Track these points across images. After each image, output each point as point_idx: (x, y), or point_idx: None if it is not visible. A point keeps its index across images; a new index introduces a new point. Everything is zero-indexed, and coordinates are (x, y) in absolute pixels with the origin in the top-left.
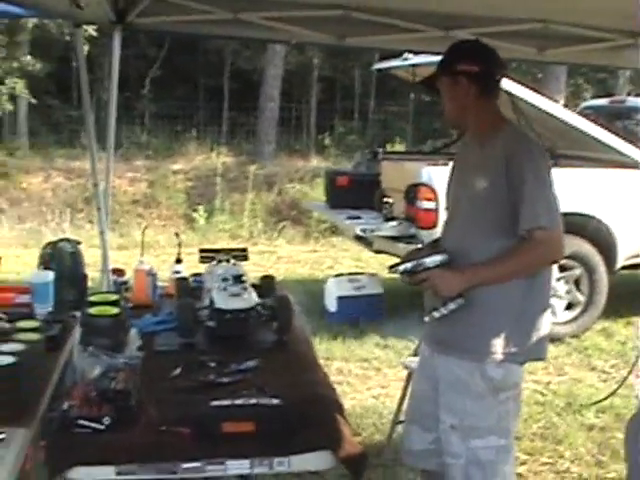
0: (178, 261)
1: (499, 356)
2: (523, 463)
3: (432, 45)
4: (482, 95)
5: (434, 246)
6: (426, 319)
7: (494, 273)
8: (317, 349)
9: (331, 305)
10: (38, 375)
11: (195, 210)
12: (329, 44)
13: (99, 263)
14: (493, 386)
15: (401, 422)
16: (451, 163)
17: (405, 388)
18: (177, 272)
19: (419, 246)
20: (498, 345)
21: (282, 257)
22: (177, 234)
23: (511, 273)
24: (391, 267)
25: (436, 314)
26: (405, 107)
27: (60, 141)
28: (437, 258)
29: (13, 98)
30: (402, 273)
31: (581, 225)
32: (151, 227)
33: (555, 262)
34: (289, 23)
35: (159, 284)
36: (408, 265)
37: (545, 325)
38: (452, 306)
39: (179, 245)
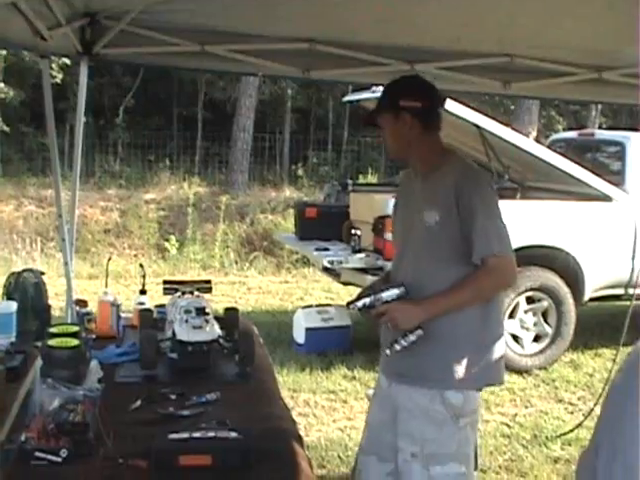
0: (142, 292)
1: (459, 382)
2: None
3: None
4: (425, 130)
5: (386, 280)
6: (387, 352)
7: (451, 302)
8: (284, 381)
9: (299, 337)
10: None
11: (167, 240)
12: (295, 77)
13: None
14: (453, 413)
15: None
16: None
17: None
18: (141, 303)
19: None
20: (458, 372)
21: (253, 288)
22: (141, 265)
23: (467, 301)
24: (349, 303)
25: (397, 346)
26: (378, 138)
27: (32, 169)
28: (394, 292)
29: None
30: (360, 309)
31: (549, 257)
32: (122, 256)
33: (508, 287)
34: (255, 56)
35: (123, 315)
36: (367, 301)
37: (501, 351)
38: (412, 338)
39: (143, 276)
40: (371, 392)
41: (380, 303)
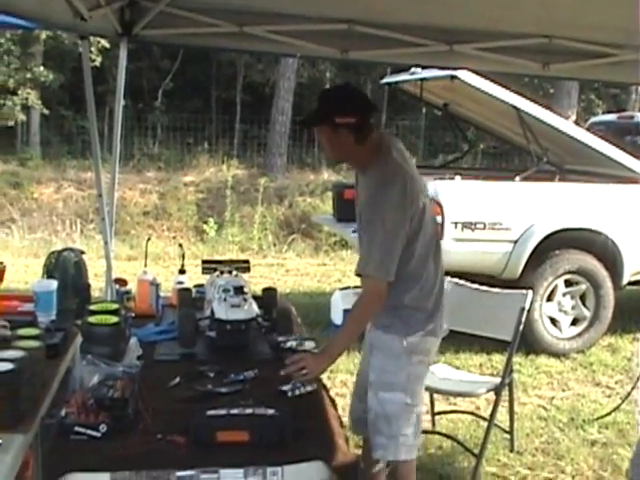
0: (181, 272)
1: (418, 330)
2: (524, 478)
3: (436, 60)
4: (358, 140)
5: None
6: (289, 394)
7: (346, 339)
8: None
9: (337, 318)
10: (37, 382)
11: (205, 222)
12: (333, 58)
13: None
14: (408, 350)
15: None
16: (458, 177)
17: None
18: (180, 282)
19: None
20: (418, 324)
21: (291, 270)
22: (180, 245)
23: (357, 330)
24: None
25: (296, 392)
26: (417, 121)
27: (72, 152)
28: (312, 344)
29: (26, 109)
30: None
31: (588, 240)
32: (161, 239)
33: (378, 308)
34: (294, 37)
35: (162, 294)
36: (293, 343)
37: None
38: (308, 388)
39: (182, 256)
40: None
41: (302, 349)
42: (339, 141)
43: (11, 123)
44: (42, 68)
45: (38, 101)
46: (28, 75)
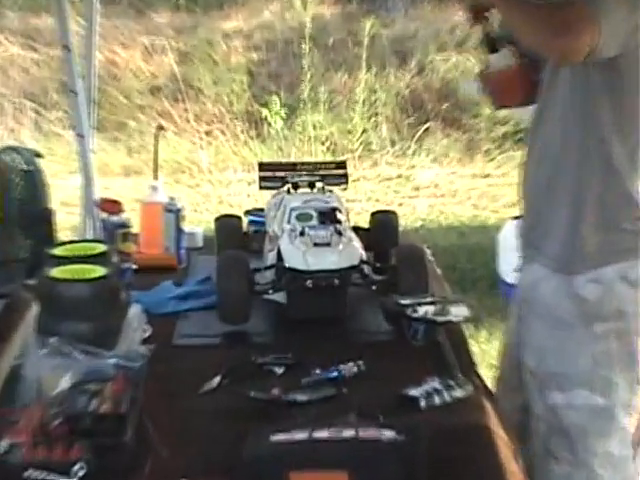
0: None
1: (589, 262)
2: None
3: None
4: None
5: None
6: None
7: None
8: (485, 339)
9: (506, 266)
10: None
11: (265, 104)
12: None
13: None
14: (586, 311)
15: None
16: None
17: None
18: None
19: None
20: (586, 246)
21: (423, 186)
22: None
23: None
24: None
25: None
26: None
27: None
28: (464, 310)
29: None
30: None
31: None
32: (184, 136)
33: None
34: None
35: (188, 230)
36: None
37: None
38: (457, 394)
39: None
40: None
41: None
42: None
43: None
44: None
45: None
46: None
